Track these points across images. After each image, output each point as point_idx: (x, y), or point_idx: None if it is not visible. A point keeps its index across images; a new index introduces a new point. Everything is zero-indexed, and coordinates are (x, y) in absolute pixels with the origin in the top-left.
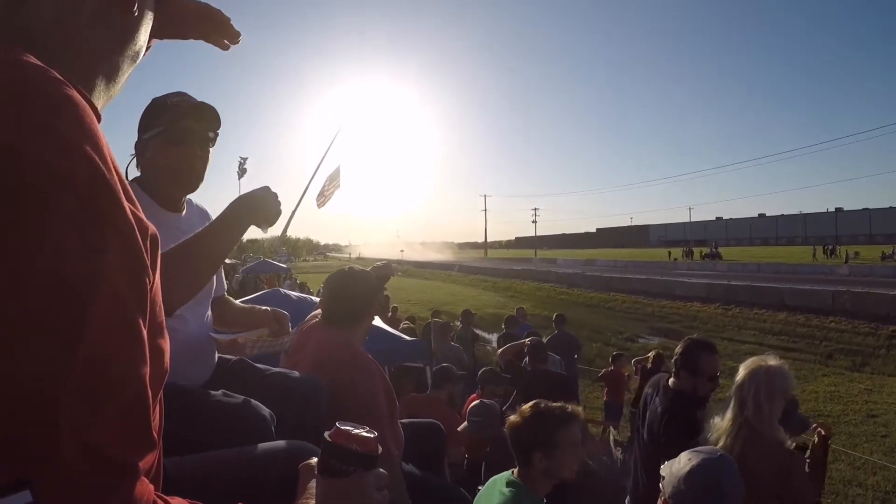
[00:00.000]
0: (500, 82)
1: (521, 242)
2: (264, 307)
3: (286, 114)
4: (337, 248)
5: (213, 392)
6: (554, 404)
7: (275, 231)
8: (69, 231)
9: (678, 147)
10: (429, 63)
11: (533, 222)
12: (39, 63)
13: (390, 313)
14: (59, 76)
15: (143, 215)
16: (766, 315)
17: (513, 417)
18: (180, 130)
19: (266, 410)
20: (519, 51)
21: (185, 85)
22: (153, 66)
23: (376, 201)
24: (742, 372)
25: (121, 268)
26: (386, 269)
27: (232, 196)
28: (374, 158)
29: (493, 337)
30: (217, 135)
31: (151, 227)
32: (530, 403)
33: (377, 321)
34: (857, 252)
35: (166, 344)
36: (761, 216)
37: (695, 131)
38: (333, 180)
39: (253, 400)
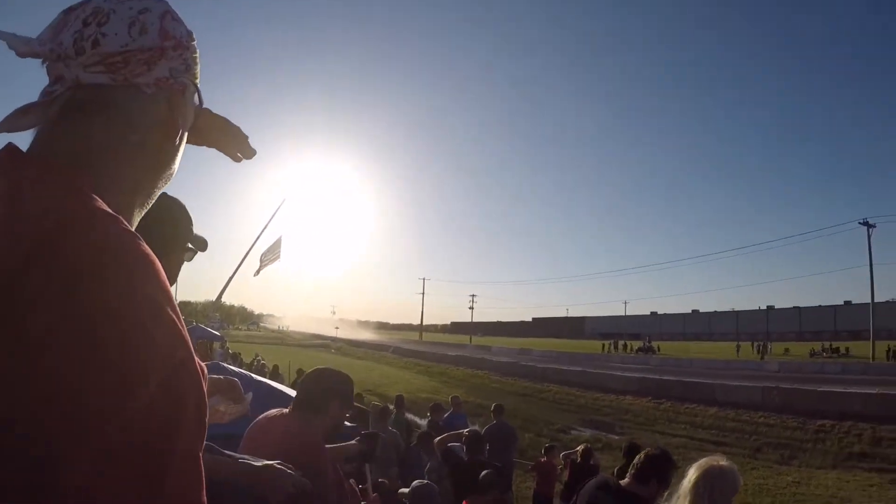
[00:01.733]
0: (445, 167)
1: (456, 327)
2: (212, 376)
3: (230, 180)
4: (271, 318)
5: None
6: None
7: (209, 296)
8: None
9: (616, 243)
10: (376, 141)
11: (470, 308)
12: (108, 210)
13: None
14: (128, 227)
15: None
16: (697, 409)
17: None
18: (179, 243)
19: None
20: (464, 138)
21: None
22: None
23: (314, 275)
24: (695, 471)
25: (192, 417)
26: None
27: None
28: (314, 233)
29: (425, 423)
30: (196, 253)
31: (203, 367)
32: None
33: None
34: (786, 349)
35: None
36: (695, 312)
37: (632, 228)
38: (274, 251)
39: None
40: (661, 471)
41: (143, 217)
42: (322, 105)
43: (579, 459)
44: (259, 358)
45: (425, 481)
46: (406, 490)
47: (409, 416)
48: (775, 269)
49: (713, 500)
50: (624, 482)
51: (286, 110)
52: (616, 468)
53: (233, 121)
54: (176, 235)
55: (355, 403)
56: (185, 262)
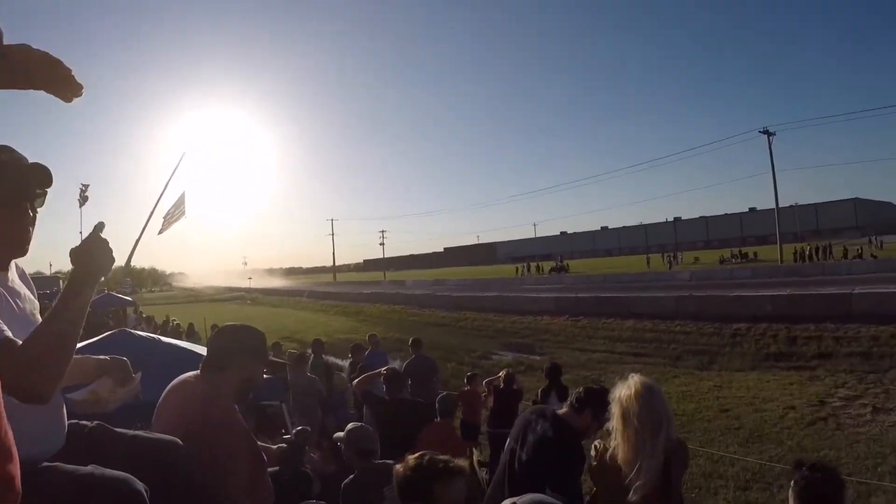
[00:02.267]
0: (344, 106)
1: (369, 265)
2: (100, 356)
3: (128, 137)
4: (183, 276)
5: (80, 468)
6: (438, 457)
7: (118, 262)
8: None
9: (521, 166)
10: (273, 87)
11: (381, 244)
12: None
13: None
14: None
15: None
16: (614, 324)
17: (398, 467)
18: (7, 193)
19: (140, 485)
20: (362, 70)
21: (17, 111)
22: None
23: (223, 228)
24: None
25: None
26: None
27: (73, 225)
28: (218, 184)
29: (346, 363)
30: (46, 192)
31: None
32: (415, 455)
33: None
34: (696, 258)
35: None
36: (604, 229)
37: (537, 150)
38: (178, 207)
39: (128, 475)
40: (597, 402)
41: None
42: (216, 52)
43: (502, 385)
44: (173, 320)
45: (361, 423)
46: (341, 434)
47: (330, 358)
48: (681, 182)
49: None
50: (560, 411)
51: (178, 56)
52: (539, 389)
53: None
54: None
55: (272, 357)
56: (39, 208)
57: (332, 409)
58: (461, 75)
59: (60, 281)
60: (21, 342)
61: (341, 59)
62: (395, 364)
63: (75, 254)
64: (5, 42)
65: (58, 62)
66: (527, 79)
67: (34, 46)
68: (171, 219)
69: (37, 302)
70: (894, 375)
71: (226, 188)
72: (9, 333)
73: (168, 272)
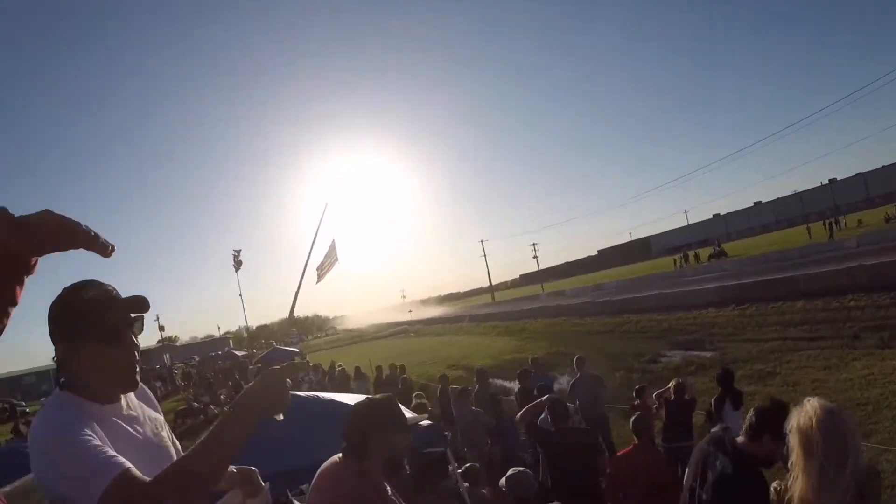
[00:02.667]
0: (479, 127)
1: (526, 279)
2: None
3: (272, 198)
4: (345, 318)
5: None
6: None
7: (282, 314)
8: None
9: (664, 155)
10: (406, 123)
11: (534, 257)
12: None
13: (400, 385)
14: None
15: None
16: (783, 307)
17: None
18: (111, 328)
19: None
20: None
21: (156, 181)
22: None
23: (376, 266)
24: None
25: None
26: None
27: (233, 289)
28: (367, 227)
29: (515, 385)
30: (143, 316)
31: None
32: None
33: None
34: (859, 220)
35: None
36: (757, 204)
37: (675, 136)
38: (330, 255)
39: None
40: (773, 424)
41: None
42: (345, 97)
43: (673, 396)
44: (339, 364)
45: (521, 469)
46: (504, 480)
47: (497, 381)
48: (831, 140)
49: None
50: (739, 439)
51: (308, 114)
52: (713, 399)
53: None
54: (99, 323)
55: (421, 401)
56: (138, 333)
57: (502, 436)
58: (592, 76)
59: (230, 341)
60: (147, 479)
61: (472, 79)
62: (558, 384)
63: (249, 394)
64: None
65: (75, 227)
66: (655, 64)
67: (54, 211)
68: (325, 267)
69: (160, 417)
70: None
71: (373, 227)
72: (127, 465)
73: (331, 317)
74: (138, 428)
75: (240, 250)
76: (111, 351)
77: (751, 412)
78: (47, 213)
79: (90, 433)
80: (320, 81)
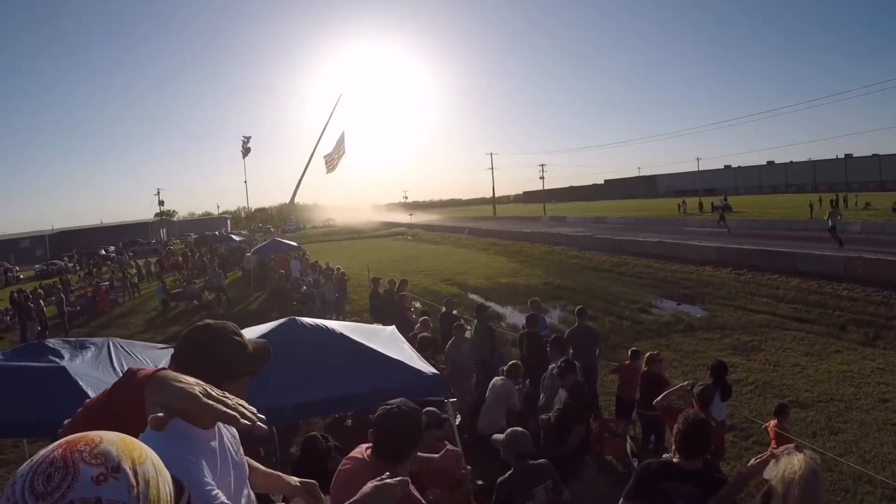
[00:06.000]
0: (503, 41)
1: (529, 197)
2: (293, 480)
3: (284, 87)
4: (345, 210)
5: None
6: None
7: (282, 198)
8: None
9: (685, 100)
10: (429, 22)
11: (541, 178)
12: None
13: (398, 300)
14: None
15: None
16: (778, 281)
17: None
18: (238, 368)
19: None
20: (521, 10)
21: (182, 67)
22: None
23: (382, 163)
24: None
25: None
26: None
27: (238, 174)
28: (377, 122)
29: (508, 311)
30: None
31: None
32: None
33: (398, 352)
34: (868, 203)
35: None
36: (770, 164)
37: (703, 84)
38: (339, 147)
39: None
40: (702, 443)
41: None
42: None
43: (644, 368)
44: (338, 268)
45: (519, 429)
46: (500, 436)
47: (491, 305)
48: (855, 121)
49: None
50: (676, 459)
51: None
52: (701, 387)
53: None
54: (231, 363)
55: (425, 335)
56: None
57: (495, 370)
58: (624, 8)
59: (228, 222)
60: None
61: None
62: (549, 318)
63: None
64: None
65: (193, 398)
66: (695, 7)
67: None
68: (334, 158)
69: (237, 434)
70: None
71: (384, 124)
72: (223, 499)
73: (330, 207)
74: (229, 449)
75: (249, 137)
76: (232, 387)
77: (677, 426)
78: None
79: (203, 468)
80: None
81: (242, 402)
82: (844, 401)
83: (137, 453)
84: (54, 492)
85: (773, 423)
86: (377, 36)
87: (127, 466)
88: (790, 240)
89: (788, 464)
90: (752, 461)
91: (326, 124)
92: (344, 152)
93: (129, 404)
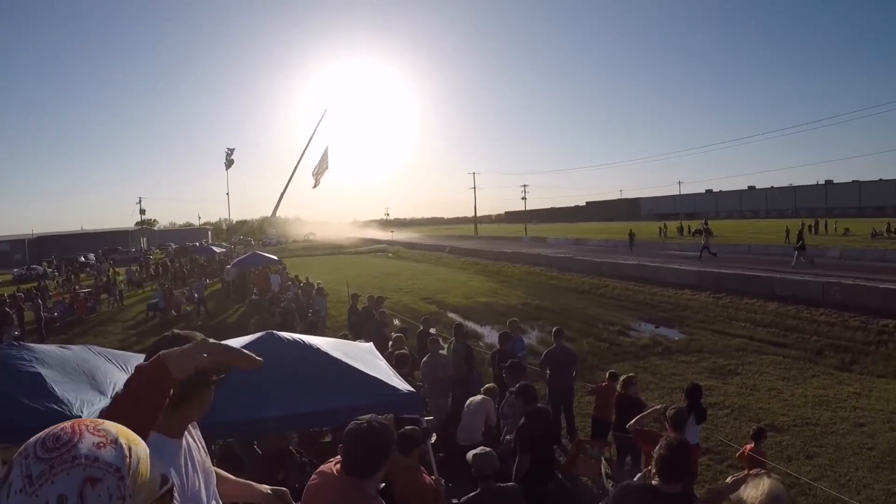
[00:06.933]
0: (488, 61)
1: (511, 217)
2: (264, 486)
3: (270, 100)
4: (326, 225)
5: None
6: None
7: (264, 211)
8: None
9: (668, 124)
10: (414, 40)
11: (522, 198)
12: None
13: (378, 317)
14: None
15: None
16: (756, 305)
17: None
18: (217, 378)
19: None
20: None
21: (160, 84)
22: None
23: (365, 179)
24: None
25: None
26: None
27: (220, 185)
28: (361, 138)
29: (486, 330)
30: None
31: None
32: None
33: (375, 369)
34: (847, 228)
35: None
36: (751, 188)
37: (686, 108)
38: (323, 162)
39: None
40: (683, 467)
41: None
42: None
43: (620, 390)
44: (318, 283)
45: (487, 449)
46: (471, 455)
47: (469, 324)
48: (834, 147)
49: None
50: (655, 482)
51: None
52: (675, 409)
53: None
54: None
55: (402, 352)
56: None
57: (472, 388)
58: (611, 35)
59: (209, 233)
60: None
61: (486, 10)
62: (528, 339)
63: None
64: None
65: (229, 356)
66: (678, 32)
67: (209, 345)
68: (319, 173)
69: (204, 444)
70: None
71: (368, 140)
72: None
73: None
74: (196, 456)
75: (233, 149)
76: (202, 393)
77: (658, 452)
78: (208, 349)
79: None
80: None
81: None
82: (820, 425)
83: (133, 437)
84: (62, 447)
85: (749, 447)
86: (363, 53)
87: (123, 442)
88: (769, 267)
89: (754, 487)
90: (728, 479)
91: (311, 139)
92: (327, 167)
93: (148, 393)
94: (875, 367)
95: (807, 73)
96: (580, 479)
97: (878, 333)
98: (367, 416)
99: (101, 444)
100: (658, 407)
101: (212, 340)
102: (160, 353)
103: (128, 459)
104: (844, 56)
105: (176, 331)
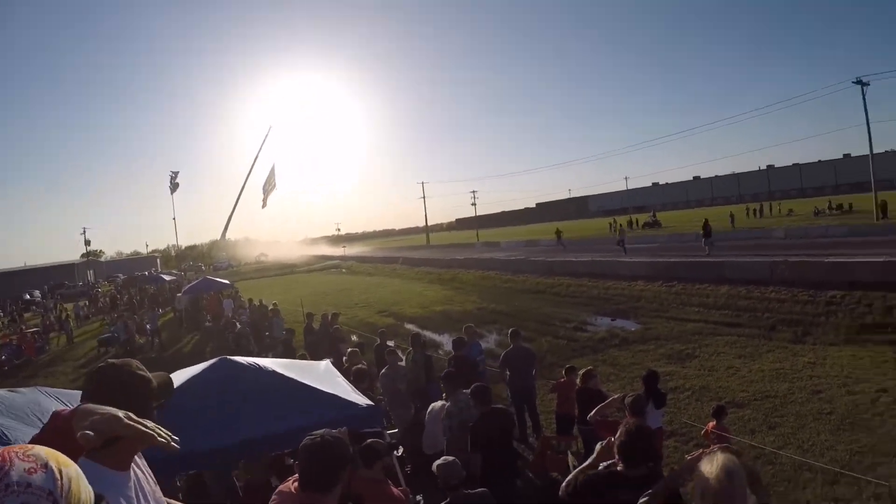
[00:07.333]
0: (433, 71)
1: (462, 224)
2: None
3: (213, 120)
4: (277, 244)
5: None
6: None
7: (213, 234)
8: None
9: (613, 120)
10: (358, 53)
11: (472, 204)
12: None
13: (333, 333)
14: None
15: None
16: (708, 290)
17: None
18: (142, 405)
19: None
20: (447, 38)
21: (103, 107)
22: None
23: (314, 196)
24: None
25: None
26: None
27: (167, 211)
28: (308, 154)
29: (444, 338)
30: None
31: None
32: None
33: (333, 386)
34: (790, 209)
35: None
36: (696, 179)
37: (630, 103)
38: (270, 180)
39: None
40: (643, 450)
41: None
42: (296, 18)
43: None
44: (273, 303)
45: (451, 458)
46: (435, 465)
47: (427, 334)
48: (776, 134)
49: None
50: (619, 468)
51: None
52: (633, 395)
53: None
54: (136, 396)
55: (360, 367)
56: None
57: (432, 397)
58: (545, 31)
59: (158, 260)
60: None
61: (428, 19)
62: (486, 343)
63: None
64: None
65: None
66: (618, 30)
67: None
68: (267, 192)
69: (152, 477)
70: None
71: (315, 156)
72: None
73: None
74: (146, 487)
75: (177, 172)
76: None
77: (619, 438)
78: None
79: None
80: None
81: (157, 425)
82: (779, 397)
83: (63, 459)
84: None
85: (711, 424)
86: (307, 68)
87: (53, 466)
88: (718, 250)
89: (708, 463)
90: (686, 457)
91: (256, 157)
92: (275, 186)
93: (59, 443)
94: (826, 336)
95: (745, 61)
96: (550, 476)
97: (826, 305)
98: (320, 431)
99: (32, 470)
100: (616, 396)
101: (134, 417)
102: (76, 409)
103: (59, 482)
104: (781, 43)
105: (111, 361)
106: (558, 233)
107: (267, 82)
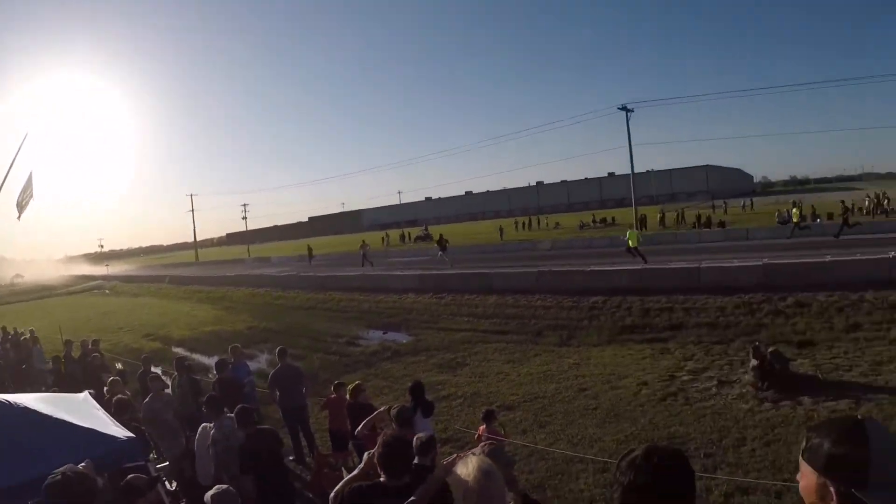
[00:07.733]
0: (203, 82)
1: (233, 238)
2: None
3: None
4: (34, 263)
5: None
6: None
7: None
8: None
9: (388, 136)
10: (123, 62)
11: (243, 218)
12: None
13: (93, 361)
14: None
15: None
16: (477, 300)
17: None
18: None
19: None
20: (220, 47)
21: None
22: None
23: (75, 211)
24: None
25: None
26: None
27: None
28: (69, 166)
29: (214, 360)
30: None
31: None
32: None
33: (91, 419)
34: (557, 223)
35: None
36: (468, 194)
37: (406, 119)
38: (26, 189)
39: None
40: (403, 460)
41: None
42: (58, 24)
43: (349, 398)
44: (30, 329)
45: (225, 487)
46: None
47: (196, 356)
48: (545, 153)
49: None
50: (382, 479)
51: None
52: (400, 406)
53: None
54: None
55: (121, 397)
56: None
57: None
58: (322, 49)
59: None
60: None
61: (200, 29)
62: (257, 363)
63: None
64: None
65: None
66: (389, 51)
67: None
68: (23, 202)
69: None
70: (738, 345)
71: (79, 168)
72: None
73: (19, 259)
74: None
75: None
76: None
77: (381, 454)
78: None
79: None
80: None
81: None
82: (547, 397)
83: None
84: None
85: (482, 428)
86: (68, 76)
87: None
88: (487, 264)
89: (463, 466)
90: (442, 461)
91: (11, 166)
92: (32, 195)
93: None
94: (590, 338)
95: (516, 85)
96: (328, 494)
97: (589, 310)
98: (62, 468)
99: None
100: (382, 409)
101: None
102: None
103: None
104: (545, 68)
105: None
106: (310, 249)
107: (23, 86)
